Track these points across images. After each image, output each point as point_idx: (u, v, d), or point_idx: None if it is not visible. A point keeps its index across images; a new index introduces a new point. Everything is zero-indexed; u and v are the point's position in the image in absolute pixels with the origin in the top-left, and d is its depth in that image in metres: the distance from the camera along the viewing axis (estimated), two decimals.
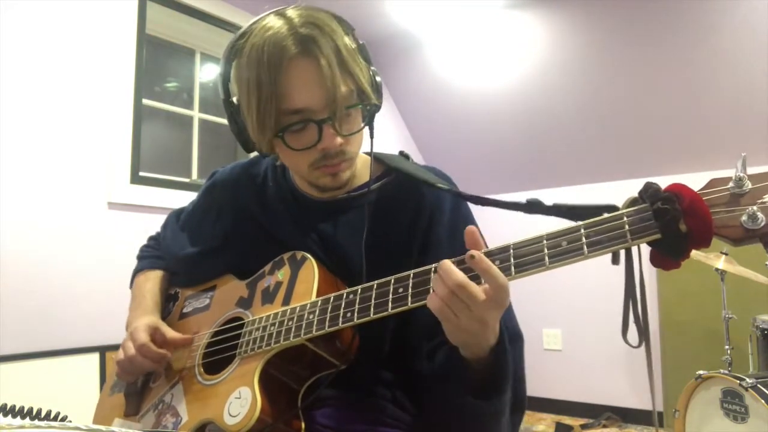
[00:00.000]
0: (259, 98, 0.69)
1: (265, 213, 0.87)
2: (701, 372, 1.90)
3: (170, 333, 0.85)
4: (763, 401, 1.65)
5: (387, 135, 3.35)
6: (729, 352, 2.12)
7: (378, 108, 0.77)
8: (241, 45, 0.72)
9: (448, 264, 0.59)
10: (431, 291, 0.61)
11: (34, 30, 1.86)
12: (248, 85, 0.71)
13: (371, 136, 0.79)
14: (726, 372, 1.86)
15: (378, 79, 0.77)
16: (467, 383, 0.67)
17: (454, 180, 0.86)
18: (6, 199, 1.75)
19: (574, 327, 3.16)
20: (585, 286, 3.03)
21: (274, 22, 0.71)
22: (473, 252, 0.59)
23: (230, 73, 0.75)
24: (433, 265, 0.63)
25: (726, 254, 2.11)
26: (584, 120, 2.97)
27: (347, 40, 0.73)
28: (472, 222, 0.84)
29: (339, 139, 0.72)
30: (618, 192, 2.89)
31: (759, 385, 1.70)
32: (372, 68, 0.77)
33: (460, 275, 0.58)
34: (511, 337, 0.74)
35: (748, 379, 1.72)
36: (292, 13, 0.72)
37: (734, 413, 1.78)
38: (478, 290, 0.58)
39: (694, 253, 2.22)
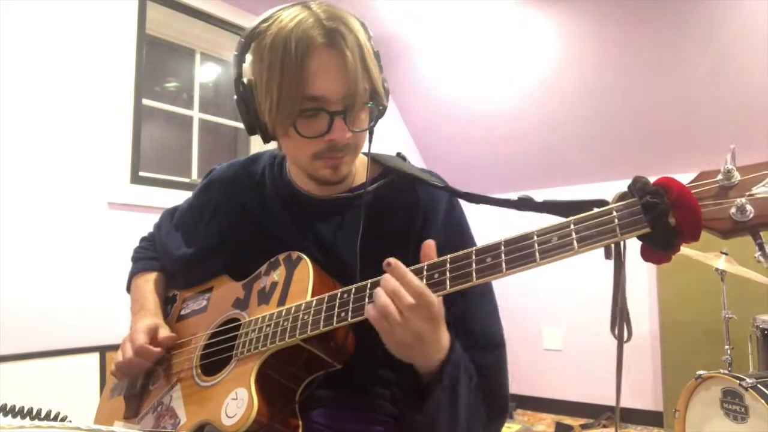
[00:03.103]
0: (281, 81, 0.70)
1: (262, 211, 0.87)
2: (701, 372, 1.90)
3: (163, 334, 0.86)
4: (763, 401, 1.65)
5: (387, 136, 3.35)
6: (729, 352, 2.12)
7: (385, 111, 0.78)
8: (265, 28, 0.72)
9: (386, 275, 0.62)
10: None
11: (34, 30, 1.86)
12: (270, 67, 0.71)
13: (370, 140, 0.79)
14: (726, 372, 1.86)
15: (386, 86, 0.79)
16: (412, 394, 0.69)
17: (456, 181, 0.87)
18: (6, 199, 1.75)
19: (574, 327, 3.16)
20: (585, 286, 3.03)
21: (300, 12, 0.72)
22: (390, 259, 0.62)
23: (247, 54, 0.75)
24: (425, 263, 0.64)
25: (726, 254, 2.11)
26: (584, 120, 2.97)
27: (367, 41, 0.74)
28: (466, 224, 0.85)
29: (348, 134, 0.73)
30: (616, 192, 2.90)
31: (759, 385, 1.70)
32: (382, 75, 0.78)
33: (394, 282, 0.61)
34: (485, 344, 0.75)
35: (748, 379, 1.72)
36: (316, 7, 0.73)
37: (734, 413, 1.78)
38: (408, 296, 0.60)
39: (694, 253, 2.20)
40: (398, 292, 0.60)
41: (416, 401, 0.68)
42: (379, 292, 0.62)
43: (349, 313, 0.66)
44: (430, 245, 0.66)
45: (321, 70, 0.70)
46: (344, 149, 0.75)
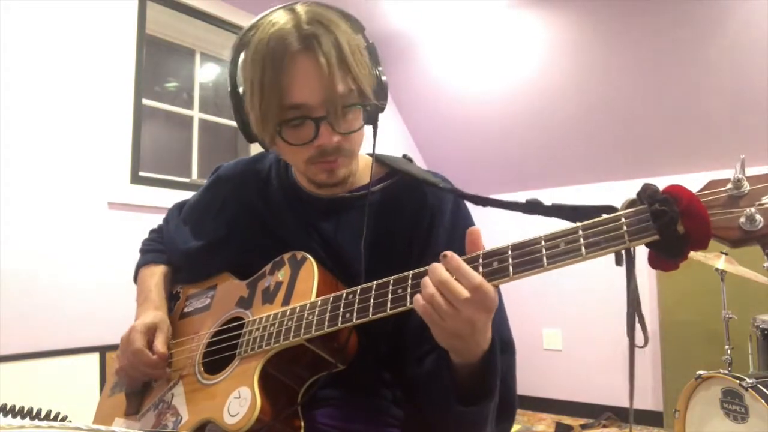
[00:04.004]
0: (261, 92, 0.70)
1: (267, 209, 0.87)
2: (701, 372, 1.90)
3: (159, 346, 0.83)
4: (763, 401, 1.65)
5: (387, 135, 3.35)
6: (729, 352, 2.12)
7: (380, 109, 0.77)
8: (249, 38, 0.73)
9: (434, 264, 0.61)
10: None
11: (34, 30, 1.86)
12: (252, 78, 0.71)
13: (374, 137, 0.79)
14: (726, 372, 1.86)
15: (384, 79, 0.78)
16: (454, 388, 0.67)
17: (455, 180, 0.87)
18: (6, 198, 1.75)
19: (574, 327, 3.16)
20: (585, 286, 3.03)
21: (281, 17, 0.72)
22: (446, 252, 0.60)
23: (237, 64, 0.76)
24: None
25: (726, 254, 2.11)
26: (585, 120, 2.97)
27: (356, 38, 0.73)
28: (472, 225, 0.84)
29: (335, 138, 0.73)
30: (618, 192, 2.90)
31: (759, 385, 1.70)
32: (379, 68, 0.77)
33: (444, 273, 0.59)
34: (502, 347, 0.74)
35: (748, 379, 1.72)
36: (300, 9, 0.72)
37: (734, 413, 1.78)
38: (461, 288, 0.58)
39: (693, 253, 2.21)
40: (448, 284, 0.58)
41: (464, 392, 0.66)
42: (426, 282, 0.60)
43: (354, 314, 0.66)
44: (474, 232, 0.63)
45: (297, 77, 0.69)
46: (335, 152, 0.74)
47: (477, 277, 0.58)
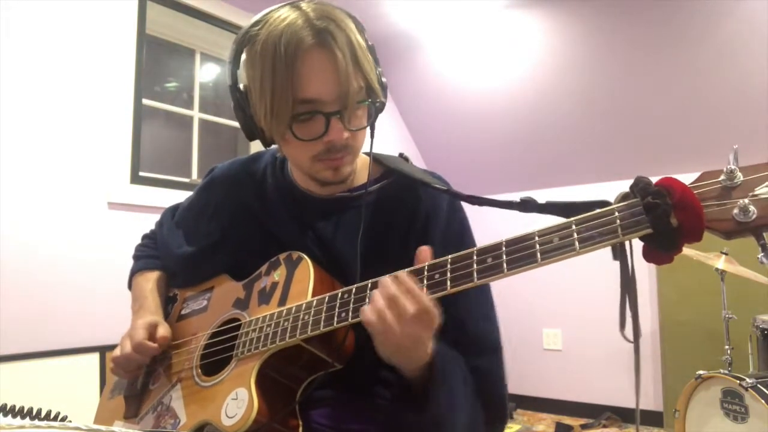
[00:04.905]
0: (273, 86, 0.69)
1: (263, 209, 0.87)
2: (701, 372, 1.90)
3: (161, 331, 0.86)
4: (763, 401, 1.65)
5: (386, 135, 3.35)
6: (729, 352, 2.11)
7: (382, 108, 0.78)
8: (255, 33, 0.72)
9: (384, 278, 0.62)
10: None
11: (34, 30, 1.86)
12: (262, 72, 0.70)
13: (371, 137, 0.79)
14: (726, 372, 1.86)
15: (384, 80, 0.78)
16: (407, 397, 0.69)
17: (454, 180, 0.87)
18: (6, 198, 1.75)
19: (574, 327, 3.16)
20: (585, 286, 3.03)
21: (289, 13, 0.71)
22: (397, 273, 0.62)
23: (240, 59, 0.75)
24: (425, 263, 0.64)
25: (726, 254, 2.10)
26: (584, 120, 2.96)
27: (359, 37, 0.74)
28: (468, 226, 0.85)
29: (345, 134, 0.73)
30: (618, 192, 2.91)
31: (759, 385, 1.70)
32: (379, 69, 0.77)
33: (394, 288, 0.61)
34: (486, 348, 0.76)
35: (748, 379, 1.72)
36: (306, 6, 0.72)
37: (734, 413, 1.78)
38: (408, 305, 0.60)
39: (693, 253, 2.19)
40: (397, 300, 0.60)
41: (415, 402, 0.68)
42: (376, 296, 0.62)
43: (350, 314, 0.66)
44: (425, 252, 0.66)
45: (312, 72, 0.69)
46: (343, 150, 0.74)
47: (425, 301, 0.60)
